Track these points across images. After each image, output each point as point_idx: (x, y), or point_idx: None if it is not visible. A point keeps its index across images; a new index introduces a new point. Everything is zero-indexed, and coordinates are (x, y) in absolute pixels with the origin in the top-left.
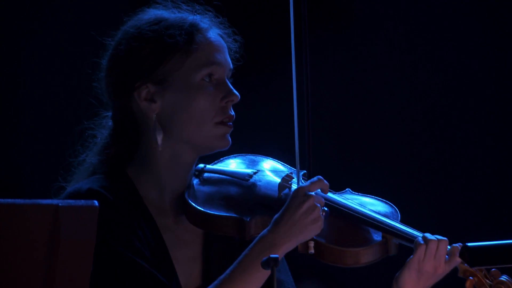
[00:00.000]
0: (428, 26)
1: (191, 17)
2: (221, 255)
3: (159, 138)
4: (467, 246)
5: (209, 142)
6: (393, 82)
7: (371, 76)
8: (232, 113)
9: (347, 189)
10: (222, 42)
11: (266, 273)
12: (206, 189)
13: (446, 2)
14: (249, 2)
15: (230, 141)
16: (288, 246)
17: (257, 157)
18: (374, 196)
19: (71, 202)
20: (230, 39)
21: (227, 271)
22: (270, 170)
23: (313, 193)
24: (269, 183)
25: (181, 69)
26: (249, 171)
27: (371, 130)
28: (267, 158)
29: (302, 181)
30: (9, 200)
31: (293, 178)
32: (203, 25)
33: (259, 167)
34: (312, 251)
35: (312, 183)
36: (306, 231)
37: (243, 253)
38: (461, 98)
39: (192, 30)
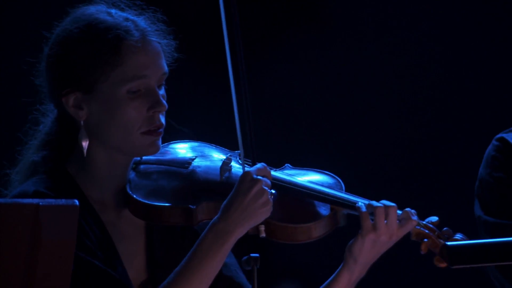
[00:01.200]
0: (398, 22)
1: (124, 23)
2: (164, 246)
3: (85, 145)
4: (447, 245)
5: (137, 151)
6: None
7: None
8: (162, 121)
9: (286, 164)
10: (156, 48)
11: (221, 260)
12: (147, 181)
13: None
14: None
15: (159, 146)
16: (240, 232)
17: (193, 142)
18: (314, 168)
19: (52, 201)
20: (167, 42)
21: (182, 263)
22: (207, 154)
23: (260, 177)
24: (209, 167)
25: (108, 81)
26: (186, 157)
27: (307, 104)
28: (203, 143)
29: (246, 165)
30: None
31: (232, 160)
32: (135, 34)
33: (196, 153)
34: (263, 235)
35: (258, 169)
36: (257, 215)
37: (196, 243)
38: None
39: (119, 42)
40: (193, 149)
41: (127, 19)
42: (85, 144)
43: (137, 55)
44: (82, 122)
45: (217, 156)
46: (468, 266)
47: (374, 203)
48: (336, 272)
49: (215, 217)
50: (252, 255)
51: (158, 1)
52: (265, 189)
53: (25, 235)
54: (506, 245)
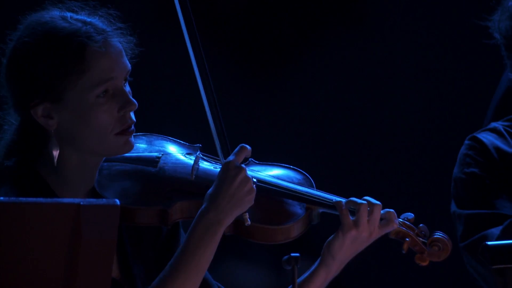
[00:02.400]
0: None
1: (84, 28)
2: (133, 242)
3: (55, 154)
4: (488, 245)
5: (113, 151)
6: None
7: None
8: (133, 119)
9: (249, 159)
10: (118, 48)
11: (213, 250)
12: (116, 181)
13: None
14: None
15: (133, 144)
16: (229, 220)
17: (152, 136)
18: (280, 164)
19: (93, 201)
20: (127, 39)
21: (176, 256)
22: (172, 150)
23: (243, 165)
24: (177, 165)
25: (75, 88)
26: (153, 155)
27: (272, 98)
28: (159, 136)
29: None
30: (31, 200)
31: (200, 159)
32: (96, 38)
33: (159, 149)
34: (248, 222)
35: (237, 154)
36: (244, 203)
37: (187, 235)
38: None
39: (82, 49)
40: (151, 143)
41: (85, 23)
42: (55, 153)
43: (102, 59)
44: (52, 131)
45: (178, 152)
46: (508, 266)
47: (357, 200)
48: (312, 269)
49: (202, 208)
50: (292, 254)
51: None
52: (248, 177)
53: (66, 235)
54: None
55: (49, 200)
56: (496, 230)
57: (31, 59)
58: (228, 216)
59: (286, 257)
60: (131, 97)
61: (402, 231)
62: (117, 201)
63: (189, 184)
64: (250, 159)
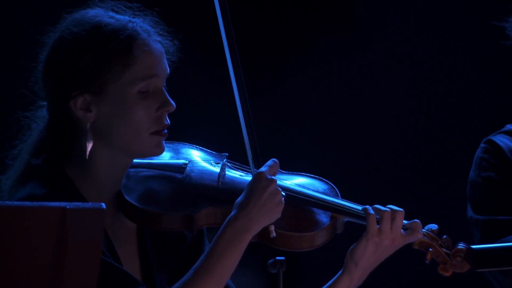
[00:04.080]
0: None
1: (130, 25)
2: (157, 248)
3: (88, 147)
4: (472, 248)
5: (145, 151)
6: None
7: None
8: (168, 121)
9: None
10: (161, 49)
11: (238, 257)
12: (141, 186)
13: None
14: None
15: (164, 147)
16: (256, 230)
17: (179, 145)
18: (306, 173)
19: (79, 204)
20: (169, 43)
21: (201, 261)
22: (199, 158)
23: (274, 177)
24: (203, 172)
25: (119, 81)
26: (180, 162)
27: (300, 110)
28: (186, 144)
29: (245, 167)
30: (16, 203)
31: (227, 166)
32: (142, 34)
33: (186, 156)
34: (274, 234)
35: (270, 166)
36: (272, 214)
37: (214, 240)
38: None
39: (131, 42)
40: (178, 151)
41: (130, 21)
42: (89, 146)
43: (147, 55)
44: (88, 125)
45: (205, 159)
46: (492, 269)
47: (381, 207)
48: (335, 277)
49: (231, 215)
50: (278, 258)
51: (154, 3)
52: (278, 189)
53: (52, 238)
54: None
55: (34, 203)
56: None
57: (76, 50)
58: (256, 225)
59: (271, 260)
60: (170, 98)
61: (426, 241)
62: (103, 205)
63: (215, 191)
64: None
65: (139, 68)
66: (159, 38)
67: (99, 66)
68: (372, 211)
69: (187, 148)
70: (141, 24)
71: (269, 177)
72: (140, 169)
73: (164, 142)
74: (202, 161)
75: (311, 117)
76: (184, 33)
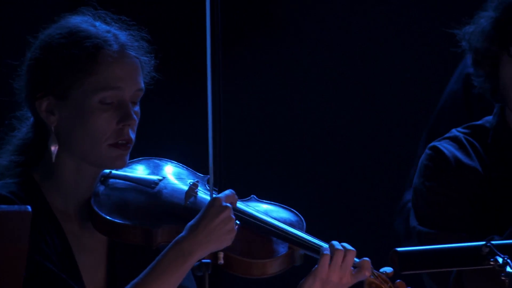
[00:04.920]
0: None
1: (105, 34)
2: (126, 261)
3: (54, 150)
4: (397, 251)
5: (103, 162)
6: (305, 93)
7: (285, 84)
8: (131, 136)
9: (252, 195)
10: (134, 64)
11: (179, 278)
12: (112, 196)
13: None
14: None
15: (126, 161)
16: (201, 254)
17: (162, 161)
18: (279, 203)
19: (4, 207)
20: (145, 59)
21: (141, 276)
22: (174, 176)
23: (229, 205)
24: (175, 190)
25: (81, 88)
26: (154, 178)
27: (280, 137)
28: (171, 162)
29: (214, 192)
30: None
31: (199, 186)
32: (114, 46)
33: (164, 173)
34: (221, 261)
35: (227, 195)
36: (221, 240)
37: (157, 258)
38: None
39: (97, 50)
40: (162, 168)
41: (108, 31)
42: (54, 149)
43: (113, 66)
44: (52, 128)
45: (185, 179)
46: (417, 272)
47: (336, 244)
48: None
49: (179, 236)
50: (204, 261)
51: (143, 21)
52: (232, 217)
53: None
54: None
55: None
56: None
57: (48, 52)
58: (202, 249)
59: (197, 263)
60: (132, 113)
61: (375, 283)
62: (29, 208)
63: (181, 210)
64: (252, 195)
65: (102, 77)
66: (134, 53)
67: (64, 70)
68: (327, 252)
69: (170, 165)
70: (119, 37)
71: (223, 204)
72: (117, 181)
73: (148, 159)
74: (179, 180)
75: (293, 145)
76: (169, 53)
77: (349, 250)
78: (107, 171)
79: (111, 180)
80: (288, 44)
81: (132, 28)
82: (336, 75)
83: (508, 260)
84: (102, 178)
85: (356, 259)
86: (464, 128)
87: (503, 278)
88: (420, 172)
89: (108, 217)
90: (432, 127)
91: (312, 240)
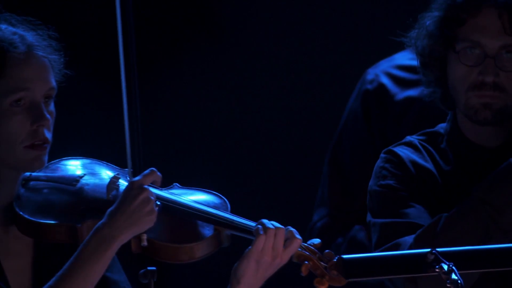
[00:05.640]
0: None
1: (12, 37)
2: (52, 263)
3: None
4: (343, 258)
5: (21, 165)
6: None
7: (201, 74)
8: (47, 136)
9: (174, 183)
10: (42, 63)
11: (104, 265)
12: (34, 198)
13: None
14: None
15: (44, 162)
16: (124, 238)
17: (82, 158)
18: (203, 189)
19: None
20: (54, 57)
21: (65, 267)
22: (96, 172)
23: (146, 186)
24: (97, 185)
25: None
26: (75, 175)
27: (199, 125)
28: (94, 160)
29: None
30: None
31: (120, 178)
32: (21, 48)
33: (85, 170)
34: (145, 243)
35: (145, 175)
36: (142, 223)
37: (80, 247)
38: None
39: (4, 53)
40: (84, 166)
41: (14, 33)
42: None
43: (21, 68)
44: None
45: (107, 174)
46: (362, 279)
47: (267, 223)
48: None
49: (100, 223)
50: (149, 268)
51: (51, 19)
52: (151, 198)
53: None
54: (398, 258)
55: None
56: (410, 238)
57: None
58: (123, 233)
59: (142, 270)
60: (45, 113)
61: (304, 254)
62: None
63: (105, 203)
64: (174, 183)
65: (10, 80)
66: (42, 52)
67: None
68: (262, 232)
69: (93, 164)
70: (26, 37)
71: (141, 185)
72: (38, 182)
73: (69, 158)
74: (101, 175)
75: (213, 133)
76: (80, 50)
77: (279, 228)
78: (27, 173)
79: (32, 182)
80: (204, 36)
81: (39, 28)
82: (253, 72)
83: (453, 267)
84: (23, 181)
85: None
86: (418, 135)
87: (448, 285)
88: (375, 174)
89: (31, 218)
90: (336, 145)
91: (238, 220)
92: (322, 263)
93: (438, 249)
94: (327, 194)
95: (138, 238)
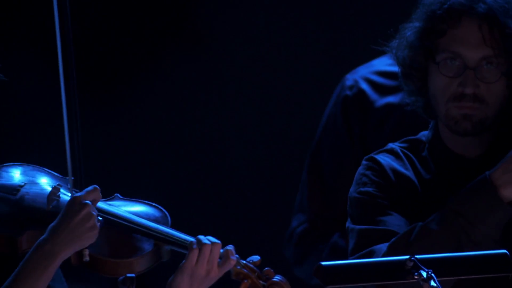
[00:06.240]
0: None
1: None
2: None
3: None
4: (322, 265)
5: None
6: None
7: (145, 81)
8: None
9: (116, 194)
10: None
11: (46, 281)
12: None
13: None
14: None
15: None
16: (65, 254)
17: (23, 166)
18: (144, 200)
19: None
20: None
21: (6, 284)
22: (37, 180)
23: (88, 201)
24: (38, 195)
25: None
26: (16, 184)
27: (142, 135)
28: (36, 167)
29: (74, 191)
30: None
31: (61, 188)
32: None
33: (26, 179)
34: (87, 258)
35: (87, 192)
36: (83, 239)
37: (21, 263)
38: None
39: None
40: (25, 173)
41: None
42: None
43: None
44: None
45: (47, 183)
46: (341, 286)
47: (202, 239)
48: None
49: (41, 238)
50: (128, 275)
51: None
52: (92, 214)
53: None
54: (377, 265)
55: None
56: (384, 246)
57: None
58: (65, 249)
59: (121, 278)
60: None
61: (243, 272)
62: None
63: (45, 214)
64: (116, 194)
65: None
66: None
67: None
68: (195, 247)
69: (35, 171)
70: None
71: (83, 201)
72: None
73: (9, 165)
74: (42, 184)
75: (156, 143)
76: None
77: (215, 243)
78: None
79: None
80: (146, 40)
81: None
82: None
83: (432, 274)
84: None
85: (221, 250)
86: (401, 142)
87: None
88: (356, 181)
89: None
90: (315, 151)
91: (177, 235)
92: (260, 281)
93: (417, 256)
94: (306, 200)
95: (79, 253)
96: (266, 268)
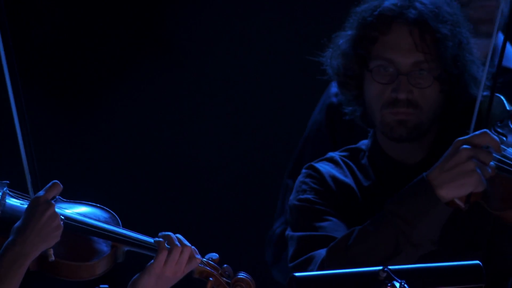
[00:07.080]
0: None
1: None
2: None
3: None
4: (295, 276)
5: None
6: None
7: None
8: None
9: (57, 197)
10: None
11: (18, 282)
12: None
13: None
14: None
15: None
16: (34, 254)
17: None
18: (86, 202)
19: None
20: None
21: None
22: None
23: (52, 201)
24: None
25: None
26: None
27: (87, 132)
28: None
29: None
30: None
31: (7, 195)
32: None
33: None
34: (52, 258)
35: (48, 190)
36: (51, 238)
37: None
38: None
39: None
40: None
41: None
42: None
43: None
44: None
45: None
46: None
47: (174, 240)
48: None
49: (9, 240)
50: (102, 286)
51: None
52: (57, 213)
53: None
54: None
55: None
56: (324, 251)
57: None
58: (34, 250)
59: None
60: None
61: (206, 270)
62: None
63: None
64: (57, 196)
65: None
66: None
67: None
68: (166, 246)
69: None
70: None
71: (46, 200)
72: None
73: None
74: None
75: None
76: None
77: (186, 246)
78: None
79: None
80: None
81: None
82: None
83: (405, 285)
84: None
85: None
86: (341, 151)
87: None
88: (295, 188)
89: None
90: (298, 157)
91: (135, 236)
92: (224, 278)
93: (390, 267)
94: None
95: (44, 254)
96: (225, 265)
